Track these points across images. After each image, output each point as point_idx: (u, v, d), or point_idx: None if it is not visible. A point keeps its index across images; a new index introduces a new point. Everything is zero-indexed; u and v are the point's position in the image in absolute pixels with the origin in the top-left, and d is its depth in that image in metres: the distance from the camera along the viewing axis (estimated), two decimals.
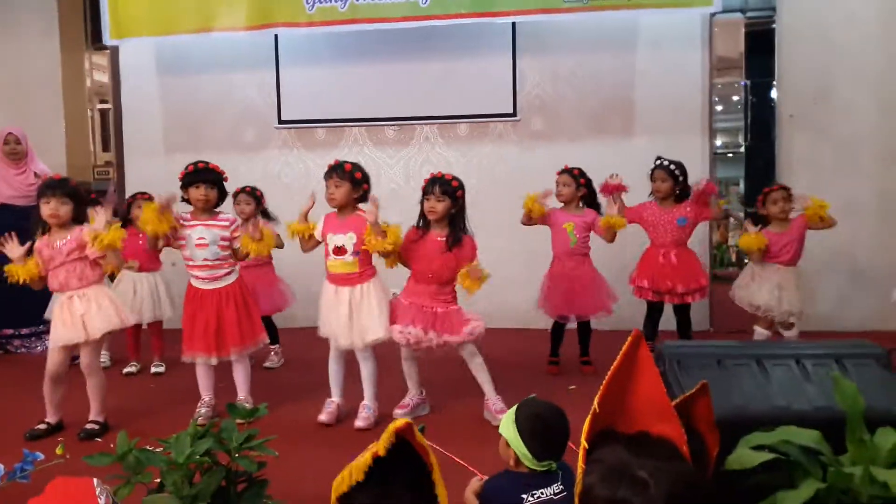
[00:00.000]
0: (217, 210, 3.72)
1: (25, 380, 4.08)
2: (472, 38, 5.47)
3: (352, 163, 3.58)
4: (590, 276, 4.35)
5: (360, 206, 3.59)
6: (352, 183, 3.52)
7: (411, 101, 5.73)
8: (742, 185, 6.99)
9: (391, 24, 5.24)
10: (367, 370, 3.62)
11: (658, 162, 4.34)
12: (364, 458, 1.51)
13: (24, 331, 5.20)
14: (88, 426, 3.52)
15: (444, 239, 3.51)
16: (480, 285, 3.43)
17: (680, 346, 2.56)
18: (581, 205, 4.38)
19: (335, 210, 3.60)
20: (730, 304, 4.51)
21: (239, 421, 2.13)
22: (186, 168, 3.65)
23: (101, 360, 4.74)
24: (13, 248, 3.40)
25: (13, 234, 3.44)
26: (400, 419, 1.53)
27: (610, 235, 4.20)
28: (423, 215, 3.58)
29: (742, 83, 6.35)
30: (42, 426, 3.53)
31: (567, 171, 4.36)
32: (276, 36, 5.69)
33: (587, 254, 4.38)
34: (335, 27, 5.34)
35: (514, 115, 5.64)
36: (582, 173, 4.35)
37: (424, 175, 3.64)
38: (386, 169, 5.83)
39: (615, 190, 4.31)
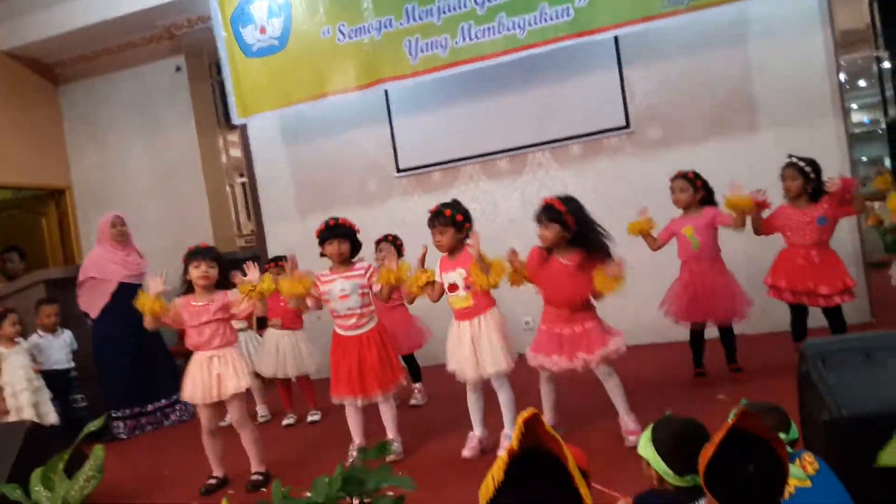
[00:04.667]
0: (354, 260, 3.90)
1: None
2: (574, 59, 5.47)
3: (451, 207, 3.64)
4: (719, 279, 4.16)
5: (467, 242, 3.64)
6: (454, 226, 3.60)
7: (521, 130, 5.78)
8: (887, 162, 6.44)
9: (492, 60, 5.35)
10: (504, 398, 3.64)
11: (787, 160, 4.11)
12: (501, 458, 1.54)
13: (150, 407, 5.38)
14: (253, 478, 3.76)
15: (569, 262, 3.48)
16: (618, 284, 3.33)
17: (823, 342, 2.41)
18: (700, 208, 4.22)
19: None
20: (893, 292, 4.14)
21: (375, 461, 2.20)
22: (320, 226, 3.87)
23: (262, 413, 5.11)
24: (154, 283, 3.70)
25: (162, 272, 3.76)
26: (527, 410, 1.54)
27: (739, 220, 3.96)
28: None
29: (874, 55, 5.90)
30: (212, 481, 3.81)
31: (681, 175, 4.22)
32: (385, 91, 5.95)
33: (716, 257, 4.19)
34: (439, 72, 5.52)
35: (627, 126, 5.55)
36: (697, 175, 4.20)
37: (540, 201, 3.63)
38: (502, 200, 5.89)
39: (757, 206, 4.03)
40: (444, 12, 5.41)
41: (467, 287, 3.57)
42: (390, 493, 2.06)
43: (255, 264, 3.80)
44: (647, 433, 1.99)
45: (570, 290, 3.48)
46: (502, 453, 1.52)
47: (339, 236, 3.80)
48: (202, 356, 3.73)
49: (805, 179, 4.02)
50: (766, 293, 4.20)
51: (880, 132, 6.47)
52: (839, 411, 2.04)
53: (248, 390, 3.83)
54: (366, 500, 2.09)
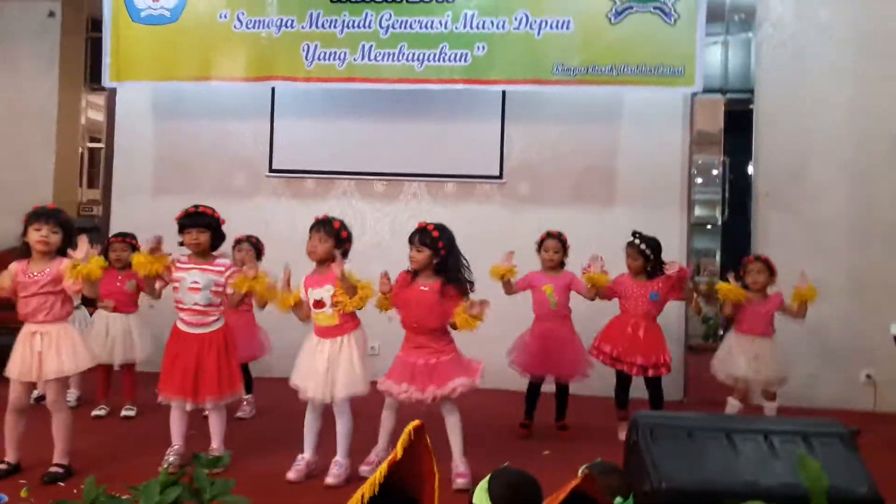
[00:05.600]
0: (215, 254, 3.74)
1: None
2: (463, 103, 5.64)
3: (340, 220, 3.64)
4: (569, 338, 4.41)
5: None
6: (336, 240, 3.58)
7: (401, 157, 5.85)
8: (718, 257, 7.17)
9: (387, 85, 5.41)
10: (342, 425, 3.59)
11: (631, 240, 4.42)
12: (380, 470, 1.54)
13: None
14: (52, 469, 3.44)
15: (428, 288, 3.55)
16: (475, 323, 3.42)
17: (653, 416, 2.62)
18: (560, 269, 4.47)
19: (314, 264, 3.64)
20: (704, 374, 4.58)
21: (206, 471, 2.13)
22: (181, 213, 3.68)
23: (68, 398, 4.71)
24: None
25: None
26: (415, 421, 1.56)
27: (592, 292, 4.30)
28: None
29: (720, 160, 6.57)
30: (2, 466, 3.46)
31: (555, 236, 4.46)
32: (273, 89, 5.82)
33: (567, 316, 4.45)
34: (332, 84, 5.50)
35: (500, 177, 5.77)
36: (564, 239, 4.47)
37: (409, 231, 3.70)
38: (373, 222, 5.91)
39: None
40: (348, 27, 5.40)
41: (334, 305, 3.54)
42: None
43: (88, 239, 3.45)
44: (484, 483, 2.03)
45: (426, 316, 3.55)
46: (381, 465, 1.53)
47: (200, 225, 3.64)
48: (27, 330, 3.42)
49: (645, 260, 4.37)
50: (589, 351, 4.44)
51: (713, 228, 7.18)
52: (660, 483, 2.23)
53: None
54: None
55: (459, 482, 3.47)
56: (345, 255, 3.60)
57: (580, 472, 1.69)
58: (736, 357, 4.38)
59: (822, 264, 5.36)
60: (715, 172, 7.07)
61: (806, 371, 5.27)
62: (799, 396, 5.02)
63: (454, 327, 3.56)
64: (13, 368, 3.40)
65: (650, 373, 4.30)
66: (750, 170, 5.84)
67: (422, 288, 3.58)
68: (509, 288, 4.39)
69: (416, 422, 1.57)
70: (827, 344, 5.43)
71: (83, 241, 3.41)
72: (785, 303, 4.39)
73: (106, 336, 4.55)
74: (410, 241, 3.59)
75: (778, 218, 5.60)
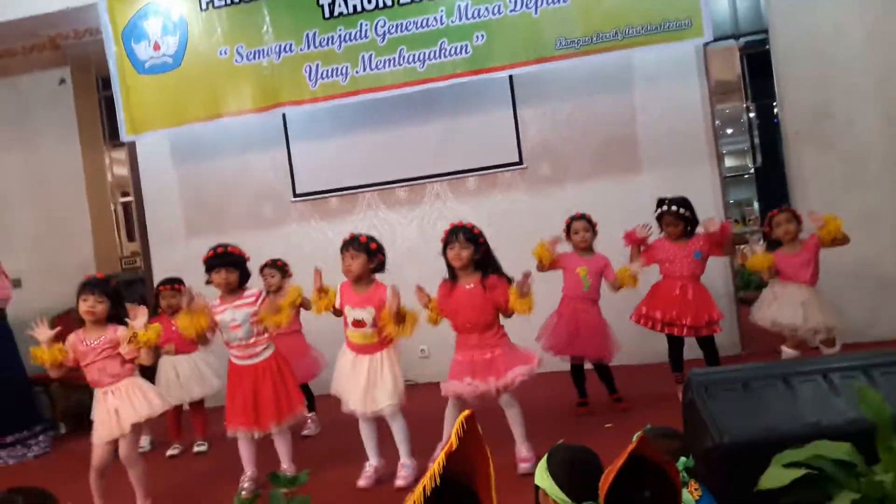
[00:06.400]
0: (242, 288, 3.81)
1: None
2: (472, 95, 5.61)
3: (367, 235, 3.70)
4: (597, 321, 4.37)
5: (378, 278, 3.67)
6: (367, 254, 3.63)
7: (419, 161, 5.86)
8: (756, 206, 6.99)
9: (392, 91, 5.41)
10: (398, 431, 3.65)
11: (665, 208, 4.34)
12: (438, 461, 1.56)
13: (9, 438, 5.07)
14: None
15: (473, 285, 3.58)
16: (531, 302, 3.48)
17: (706, 373, 2.58)
18: (593, 252, 4.43)
19: (350, 280, 3.68)
20: (760, 326, 4.49)
21: (284, 490, 2.17)
22: (208, 253, 3.76)
23: (142, 444, 4.86)
24: (42, 332, 3.48)
25: (44, 318, 3.54)
26: (466, 410, 1.58)
27: (616, 288, 4.29)
28: (449, 266, 3.66)
29: (744, 106, 6.40)
30: None
31: (580, 217, 4.41)
32: (283, 115, 5.88)
33: (597, 301, 4.41)
34: (339, 100, 5.52)
35: (520, 163, 5.74)
36: (592, 219, 4.42)
37: (439, 232, 3.73)
38: (400, 229, 5.93)
39: (639, 242, 4.37)
40: (346, 41, 5.42)
41: (374, 325, 3.58)
42: None
43: (144, 308, 3.60)
44: (543, 463, 2.04)
45: (478, 314, 3.58)
46: (438, 455, 1.55)
47: (227, 265, 3.72)
48: (100, 393, 3.57)
49: (685, 223, 4.30)
50: (635, 320, 4.40)
51: (748, 177, 7.02)
52: (721, 438, 2.19)
53: None
54: None
55: (523, 466, 3.50)
56: (381, 267, 3.66)
57: (634, 438, 1.67)
58: (780, 303, 4.28)
59: (864, 196, 5.23)
60: (740, 121, 6.91)
61: (863, 305, 5.13)
62: (859, 333, 4.88)
63: (507, 313, 3.58)
64: (97, 434, 3.54)
65: (704, 332, 4.24)
66: (776, 112, 5.69)
67: (467, 287, 3.61)
68: (541, 265, 4.35)
69: (468, 411, 1.58)
70: (881, 277, 5.27)
71: (142, 312, 3.53)
72: (820, 241, 4.27)
73: (178, 378, 4.68)
74: (449, 241, 3.61)
75: (812, 156, 5.46)
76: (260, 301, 3.74)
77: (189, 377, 4.71)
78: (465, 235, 3.57)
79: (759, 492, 1.75)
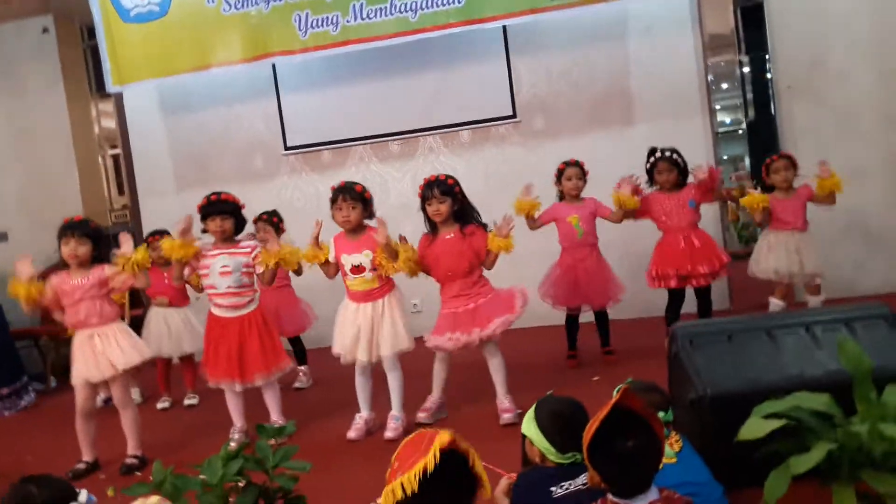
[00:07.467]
0: (238, 238, 3.81)
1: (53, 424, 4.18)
2: (465, 46, 5.55)
3: (359, 183, 3.67)
4: (597, 265, 4.38)
5: (368, 223, 3.68)
6: (363, 203, 3.62)
7: (412, 114, 5.81)
8: (747, 161, 6.99)
9: (384, 42, 5.33)
10: (394, 381, 3.69)
11: (659, 154, 4.31)
12: (414, 471, 1.57)
13: (4, 391, 5.16)
14: (128, 461, 3.63)
15: (452, 235, 3.62)
16: (510, 242, 3.54)
17: (691, 325, 2.61)
18: (581, 198, 4.42)
19: (342, 231, 3.68)
20: (748, 280, 4.53)
21: (271, 441, 2.20)
22: (202, 201, 3.74)
23: (132, 396, 4.91)
24: (24, 266, 3.49)
25: (28, 254, 3.56)
26: (445, 434, 1.59)
27: (619, 215, 4.26)
28: (429, 220, 3.67)
29: (737, 59, 6.35)
30: (81, 465, 3.63)
31: (573, 163, 4.39)
32: (273, 65, 5.80)
33: (595, 244, 4.41)
34: (330, 50, 5.44)
35: (514, 116, 5.70)
36: (583, 166, 4.40)
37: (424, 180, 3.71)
38: (394, 183, 5.91)
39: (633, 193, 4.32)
40: None
41: (374, 269, 3.60)
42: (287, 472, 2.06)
43: (130, 235, 3.65)
44: (530, 413, 2.08)
45: (457, 262, 3.61)
46: (416, 467, 1.55)
47: (222, 212, 3.70)
48: (83, 335, 3.57)
49: (679, 170, 4.29)
50: (651, 284, 4.35)
51: (741, 132, 6.99)
52: (705, 390, 2.23)
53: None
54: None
55: (506, 417, 3.56)
56: (372, 216, 3.65)
57: (615, 391, 1.70)
58: (776, 252, 4.33)
59: (855, 150, 5.23)
60: (733, 74, 6.84)
61: (850, 259, 5.18)
62: (845, 287, 4.95)
63: (490, 262, 3.62)
64: (77, 374, 3.56)
65: (720, 275, 4.25)
66: (769, 66, 5.64)
67: (446, 237, 3.64)
68: (533, 223, 4.37)
69: (444, 438, 1.58)
70: (869, 230, 5.31)
71: (126, 239, 3.57)
72: (814, 193, 4.31)
73: (168, 331, 4.70)
74: (426, 197, 3.62)
75: (803, 109, 5.44)
76: (254, 254, 3.73)
77: (181, 331, 4.73)
78: (440, 189, 3.58)
79: (739, 442, 1.80)
